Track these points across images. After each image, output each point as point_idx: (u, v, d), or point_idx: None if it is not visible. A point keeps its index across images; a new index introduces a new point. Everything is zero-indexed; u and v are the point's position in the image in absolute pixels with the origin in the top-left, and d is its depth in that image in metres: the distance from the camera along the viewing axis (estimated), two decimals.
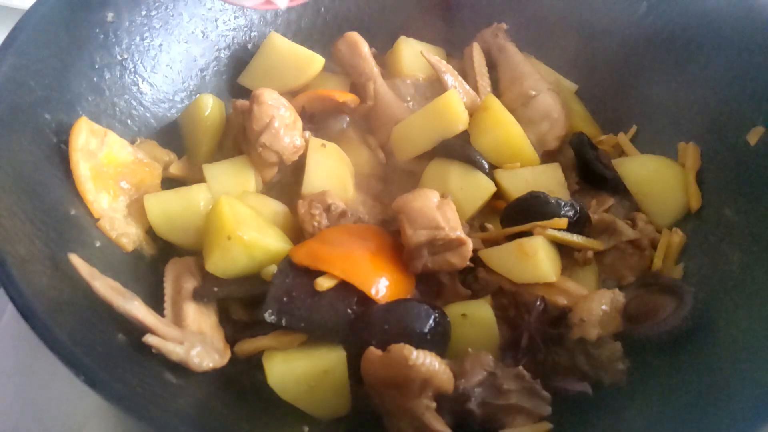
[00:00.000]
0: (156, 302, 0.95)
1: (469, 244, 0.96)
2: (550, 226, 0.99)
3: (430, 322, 0.90)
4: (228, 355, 0.91)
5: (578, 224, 1.02)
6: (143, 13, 1.14)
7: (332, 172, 1.09)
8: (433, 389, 0.84)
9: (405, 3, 1.32)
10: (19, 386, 0.99)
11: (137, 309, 0.85)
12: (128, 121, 1.11)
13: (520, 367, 0.90)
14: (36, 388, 0.98)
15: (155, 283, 0.98)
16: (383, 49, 1.27)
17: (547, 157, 1.17)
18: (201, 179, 1.07)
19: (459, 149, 1.09)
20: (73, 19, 1.03)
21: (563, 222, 0.99)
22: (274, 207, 1.05)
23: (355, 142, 1.18)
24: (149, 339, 0.84)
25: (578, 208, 1.02)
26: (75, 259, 0.84)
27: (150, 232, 1.03)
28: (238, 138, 1.11)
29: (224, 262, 0.95)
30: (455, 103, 1.09)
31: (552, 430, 0.87)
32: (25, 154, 0.92)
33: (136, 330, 0.85)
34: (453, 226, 0.95)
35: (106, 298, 0.83)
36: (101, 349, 0.79)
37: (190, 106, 1.18)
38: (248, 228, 0.95)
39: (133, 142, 1.08)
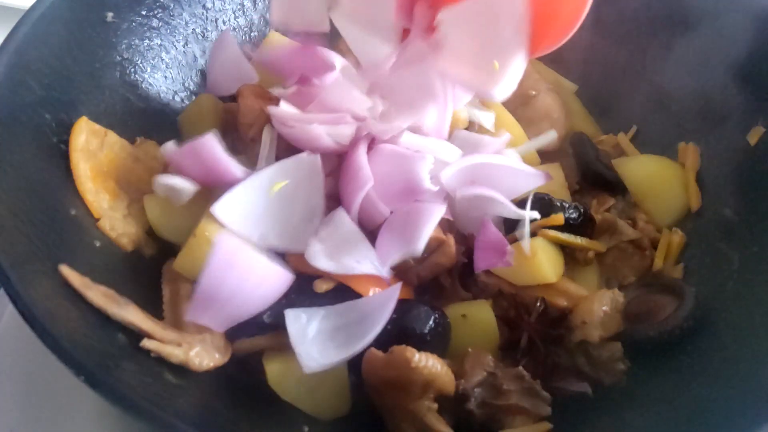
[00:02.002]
0: (156, 302, 0.95)
1: (450, 241, 0.95)
2: (548, 224, 0.99)
3: (431, 323, 0.90)
4: (229, 352, 0.91)
5: (582, 226, 1.02)
6: (143, 13, 1.14)
7: None
8: (434, 391, 0.84)
9: None
10: (18, 386, 0.98)
11: (132, 315, 0.85)
12: (128, 121, 1.11)
13: (520, 368, 0.90)
14: (36, 388, 0.98)
15: (155, 283, 0.98)
16: None
17: (547, 157, 1.17)
18: None
19: None
20: (73, 18, 1.03)
21: (560, 218, 0.99)
22: None
23: None
24: (147, 344, 0.84)
25: (582, 210, 1.02)
26: (66, 271, 0.84)
27: (150, 232, 1.03)
28: (234, 138, 1.11)
29: (189, 260, 0.93)
30: None
31: (552, 430, 0.87)
32: (25, 154, 0.92)
33: (135, 330, 0.86)
34: None
35: (101, 307, 0.83)
36: (101, 349, 0.79)
37: (190, 106, 1.18)
38: (218, 227, 0.92)
39: (133, 142, 1.08)
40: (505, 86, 0.92)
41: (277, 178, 0.95)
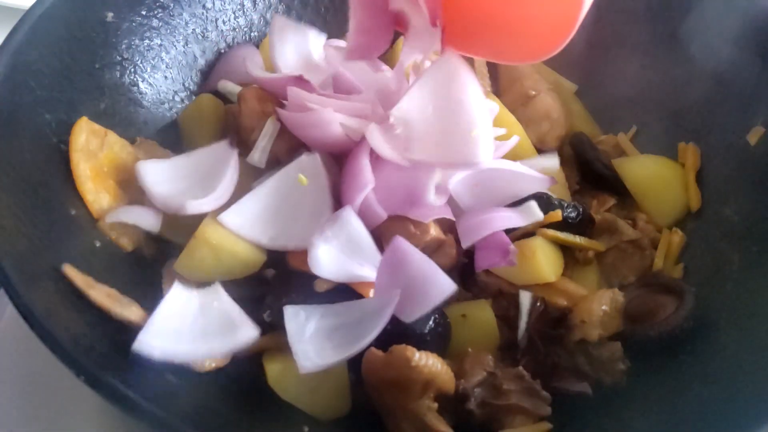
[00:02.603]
0: (157, 302, 0.95)
1: (450, 241, 0.95)
2: (546, 221, 0.99)
3: (430, 323, 0.90)
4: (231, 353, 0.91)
5: (581, 225, 1.02)
6: (143, 13, 1.14)
7: None
8: (434, 390, 0.84)
9: None
10: (18, 386, 0.98)
11: (135, 314, 0.85)
12: (128, 121, 1.11)
13: (520, 367, 0.90)
14: (36, 388, 0.98)
15: (156, 283, 0.98)
16: None
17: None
18: None
19: None
20: (73, 18, 1.03)
21: (557, 215, 0.99)
22: None
23: None
24: None
25: (581, 209, 1.02)
26: (70, 270, 0.84)
27: (149, 233, 1.03)
28: (235, 140, 1.11)
29: (190, 262, 0.94)
30: None
31: (552, 430, 0.87)
32: (25, 154, 0.92)
33: (136, 330, 0.85)
34: (425, 230, 0.94)
35: (104, 306, 0.83)
36: (101, 349, 0.79)
37: (190, 106, 1.18)
38: (218, 229, 0.93)
39: (133, 142, 1.08)
40: (487, 148, 0.91)
41: (281, 185, 0.96)
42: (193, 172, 1.01)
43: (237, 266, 0.94)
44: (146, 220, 0.97)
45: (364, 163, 0.92)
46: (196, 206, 0.95)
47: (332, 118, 0.94)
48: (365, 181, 0.91)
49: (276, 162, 1.02)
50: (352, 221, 0.91)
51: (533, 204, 0.96)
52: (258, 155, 1.00)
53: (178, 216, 1.00)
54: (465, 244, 0.96)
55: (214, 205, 0.95)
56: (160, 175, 1.00)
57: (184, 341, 0.85)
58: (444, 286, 0.86)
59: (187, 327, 0.86)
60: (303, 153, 0.98)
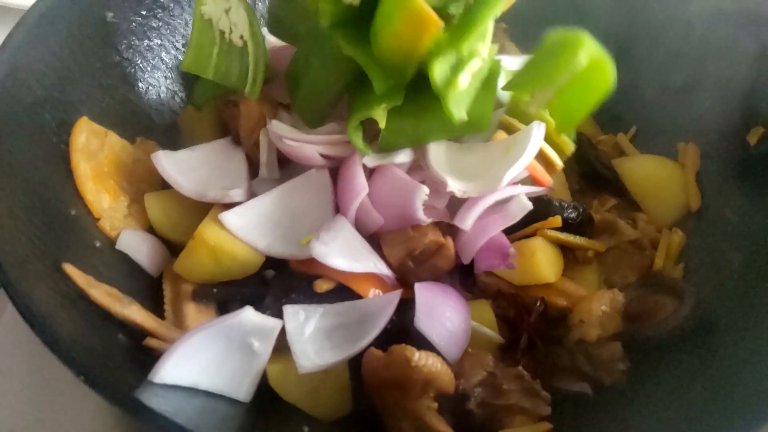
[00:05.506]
0: (156, 302, 0.95)
1: (449, 243, 0.95)
2: (546, 226, 0.99)
3: None
4: None
5: (581, 225, 1.02)
6: (143, 13, 1.14)
7: None
8: (434, 390, 0.84)
9: None
10: (18, 386, 0.99)
11: (136, 313, 0.85)
12: (128, 121, 1.11)
13: (520, 367, 0.90)
14: (36, 388, 0.98)
15: (156, 283, 0.98)
16: None
17: None
18: None
19: None
20: (73, 18, 1.03)
21: (557, 220, 0.99)
22: None
23: None
24: (150, 342, 0.84)
25: (581, 210, 1.02)
26: (70, 269, 0.84)
27: (150, 232, 1.03)
28: (235, 140, 1.11)
29: (190, 263, 0.94)
30: None
31: (552, 430, 0.87)
32: (25, 154, 0.92)
33: (136, 330, 0.86)
34: (423, 232, 0.94)
35: (104, 305, 0.84)
36: (101, 349, 0.79)
37: (190, 106, 1.18)
38: (216, 230, 0.93)
39: (133, 142, 1.08)
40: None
41: (289, 196, 0.97)
42: (204, 164, 1.02)
43: (235, 267, 0.94)
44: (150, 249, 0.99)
45: (358, 170, 0.93)
46: (237, 195, 0.96)
47: (312, 155, 0.96)
48: (359, 188, 0.92)
49: None
50: (345, 227, 0.92)
51: (521, 196, 0.95)
52: (267, 170, 1.01)
53: (177, 216, 1.01)
54: (466, 260, 0.97)
55: (246, 198, 0.97)
56: (179, 165, 1.01)
57: (203, 374, 0.84)
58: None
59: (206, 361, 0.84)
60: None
